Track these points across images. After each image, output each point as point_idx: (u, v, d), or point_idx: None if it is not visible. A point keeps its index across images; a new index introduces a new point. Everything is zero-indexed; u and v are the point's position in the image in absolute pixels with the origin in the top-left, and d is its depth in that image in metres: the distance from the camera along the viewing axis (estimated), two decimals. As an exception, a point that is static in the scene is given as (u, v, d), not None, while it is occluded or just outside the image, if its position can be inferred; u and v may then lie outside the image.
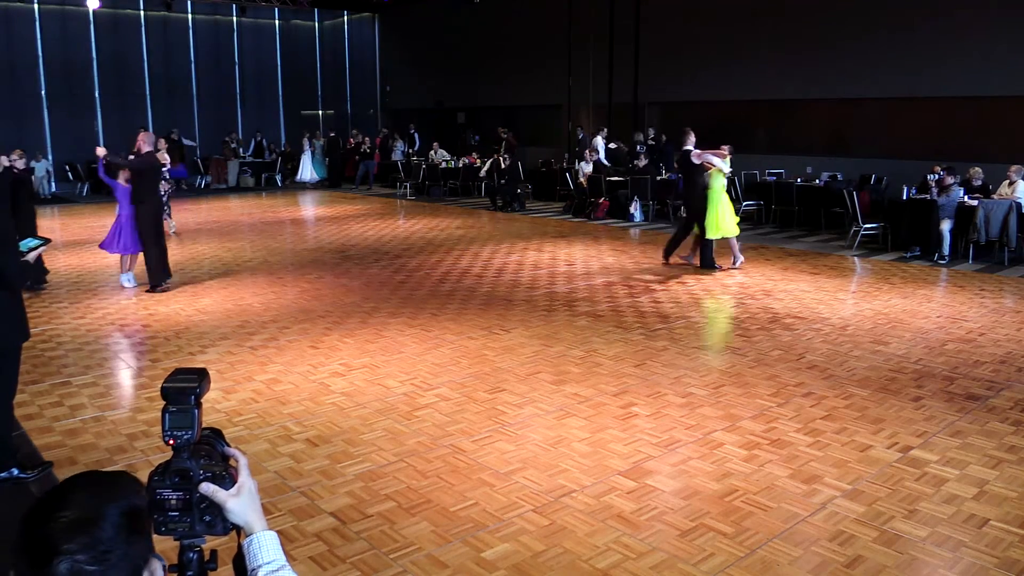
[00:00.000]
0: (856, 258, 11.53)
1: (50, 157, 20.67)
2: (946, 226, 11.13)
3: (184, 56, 24.68)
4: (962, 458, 4.69)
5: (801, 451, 4.80)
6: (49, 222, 15.34)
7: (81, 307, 8.59)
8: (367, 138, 23.34)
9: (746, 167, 15.62)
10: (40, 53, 22.01)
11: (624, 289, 9.38)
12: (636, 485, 4.37)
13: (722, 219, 10.42)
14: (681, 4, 18.30)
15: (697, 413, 5.43)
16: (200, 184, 22.90)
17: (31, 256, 4.58)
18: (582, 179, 16.66)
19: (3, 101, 21.02)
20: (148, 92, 23.98)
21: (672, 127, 18.62)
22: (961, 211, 11.18)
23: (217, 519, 1.35)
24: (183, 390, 1.36)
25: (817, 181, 14.56)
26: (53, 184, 20.36)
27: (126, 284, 9.51)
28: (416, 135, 24.18)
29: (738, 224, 10.76)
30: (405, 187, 20.64)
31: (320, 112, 28.41)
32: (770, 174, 15.68)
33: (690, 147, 10.68)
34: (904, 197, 12.09)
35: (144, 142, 9.22)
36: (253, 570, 1.35)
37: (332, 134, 23.72)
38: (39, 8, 21.94)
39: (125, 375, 6.58)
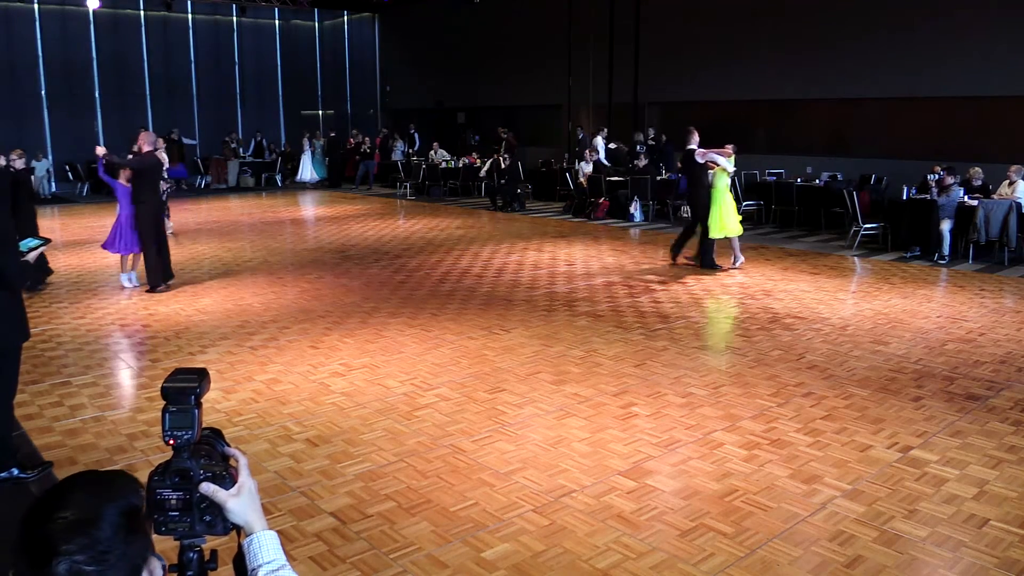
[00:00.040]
0: (856, 258, 11.53)
1: (50, 157, 20.66)
2: (946, 226, 11.13)
3: (184, 56, 24.69)
4: (962, 458, 4.69)
5: (801, 451, 4.80)
6: (49, 222, 15.34)
7: (81, 307, 8.59)
8: (367, 138, 23.34)
9: (746, 167, 15.60)
10: (40, 53, 22.02)
11: (624, 289, 9.38)
12: (636, 485, 4.37)
13: (725, 218, 10.42)
14: (681, 4, 18.30)
15: (697, 413, 5.43)
16: (200, 184, 22.90)
17: (31, 256, 4.59)
18: (582, 179, 16.66)
19: (3, 101, 21.02)
20: (148, 92, 23.98)
21: (672, 127, 18.63)
22: (961, 211, 11.18)
23: (217, 519, 1.35)
24: (183, 390, 1.36)
25: (817, 181, 14.56)
26: (53, 184, 20.36)
27: (126, 284, 9.51)
28: (416, 135, 24.18)
29: (740, 223, 10.75)
30: (405, 187, 20.64)
31: (320, 112, 28.41)
32: (770, 174, 15.68)
33: (694, 146, 10.67)
34: (904, 197, 12.09)
35: (145, 141, 9.22)
36: (253, 570, 1.35)
37: (332, 134, 23.73)
38: (39, 8, 21.94)
39: (125, 375, 6.58)
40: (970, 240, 11.10)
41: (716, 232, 10.44)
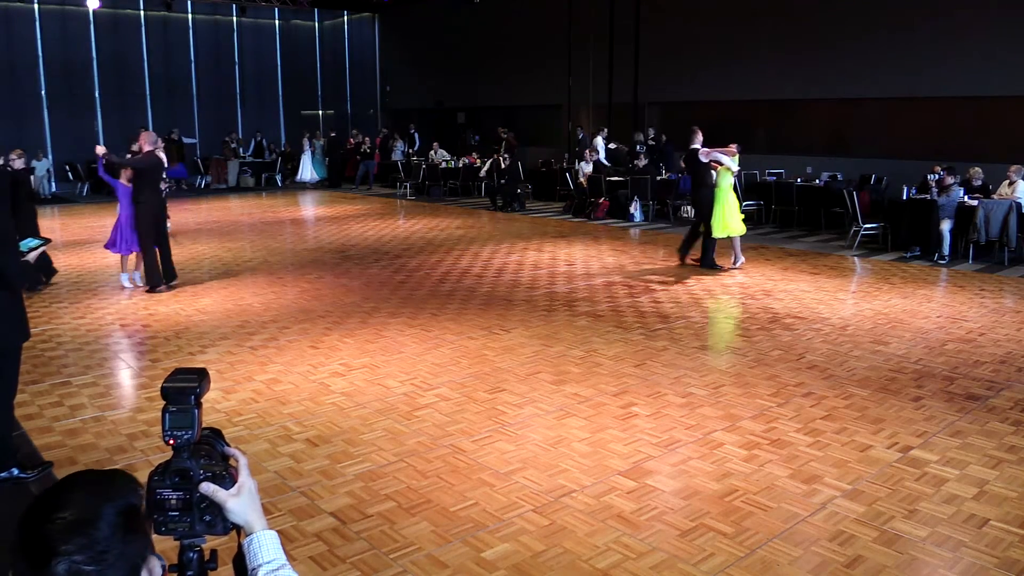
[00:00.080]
0: (856, 258, 11.53)
1: (50, 157, 20.66)
2: (946, 226, 11.13)
3: (184, 56, 24.69)
4: (962, 458, 4.69)
5: (801, 451, 4.80)
6: (49, 222, 15.33)
7: (81, 307, 8.59)
8: (367, 138, 23.34)
9: (746, 167, 15.58)
10: (40, 53, 22.02)
11: (624, 289, 9.38)
12: (636, 485, 4.37)
13: (728, 217, 10.41)
14: (681, 4, 18.30)
15: (697, 413, 5.43)
16: (200, 184, 22.90)
17: (31, 256, 4.59)
18: (582, 179, 16.66)
19: (3, 101, 21.03)
20: (148, 92, 23.99)
21: (672, 127, 18.64)
22: (961, 211, 11.18)
23: (217, 519, 1.35)
24: (183, 390, 1.36)
25: (817, 181, 14.56)
26: (53, 184, 20.36)
27: (126, 284, 9.51)
28: (416, 135, 24.18)
29: (743, 222, 10.74)
30: (405, 187, 20.64)
31: (320, 112, 28.41)
32: (770, 174, 15.68)
33: (698, 145, 10.66)
34: (904, 197, 12.08)
35: (146, 141, 9.22)
36: (253, 569, 1.35)
37: (332, 134, 23.73)
38: (39, 8, 21.94)
39: (125, 375, 6.58)
40: (970, 240, 11.10)
41: (719, 231, 10.43)
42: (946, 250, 11.12)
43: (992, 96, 13.73)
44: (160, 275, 9.29)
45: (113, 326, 7.87)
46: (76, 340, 7.31)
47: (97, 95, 23.05)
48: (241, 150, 23.50)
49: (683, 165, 13.22)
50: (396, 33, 26.60)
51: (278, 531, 1.42)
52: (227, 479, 1.36)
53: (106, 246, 9.67)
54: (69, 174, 20.87)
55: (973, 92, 13.89)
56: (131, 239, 9.29)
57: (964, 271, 10.53)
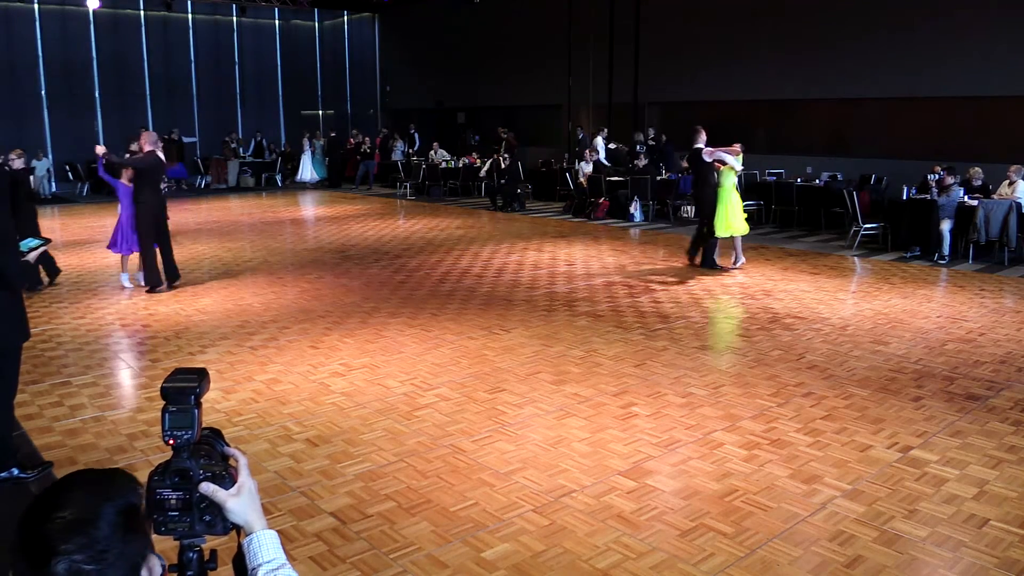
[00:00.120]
0: (856, 258, 11.53)
1: (50, 157, 20.66)
2: (946, 226, 11.13)
3: (184, 56, 24.69)
4: (962, 458, 4.69)
5: (801, 451, 4.80)
6: (49, 222, 15.33)
7: (81, 307, 8.59)
8: (367, 138, 23.34)
9: (746, 167, 15.56)
10: (40, 53, 22.02)
11: (624, 289, 9.38)
12: (636, 485, 4.37)
13: (732, 217, 10.41)
14: (681, 4, 18.30)
15: (697, 413, 5.43)
16: (200, 184, 22.90)
17: (31, 256, 4.59)
18: (582, 179, 16.66)
19: (3, 101, 21.03)
20: (148, 92, 23.99)
21: (672, 127, 18.64)
22: (961, 211, 11.18)
23: (217, 519, 1.35)
24: (183, 390, 1.36)
25: (817, 181, 14.56)
26: (53, 184, 20.36)
27: (126, 284, 9.51)
28: (416, 135, 24.18)
29: (746, 221, 10.72)
30: (405, 187, 20.64)
31: (320, 112, 28.41)
32: (770, 174, 15.68)
33: (701, 145, 10.65)
34: (904, 197, 12.08)
35: (147, 141, 9.22)
36: (253, 569, 1.35)
37: (332, 134, 23.73)
38: (39, 8, 21.94)
39: (125, 375, 6.58)
40: (970, 240, 11.10)
41: (722, 231, 10.43)
42: (946, 250, 11.12)
43: (992, 96, 13.73)
44: (159, 275, 9.28)
45: (113, 326, 7.87)
46: (76, 340, 7.31)
47: (97, 95, 23.05)
48: (241, 150, 23.50)
49: (686, 164, 13.21)
50: (396, 33, 26.60)
51: (278, 531, 1.42)
52: (227, 479, 1.36)
53: (108, 247, 9.69)
54: (69, 174, 20.87)
55: (973, 92, 13.89)
56: (132, 239, 9.29)
57: (964, 271, 10.53)
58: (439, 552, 3.71)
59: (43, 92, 22.13)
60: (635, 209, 15.44)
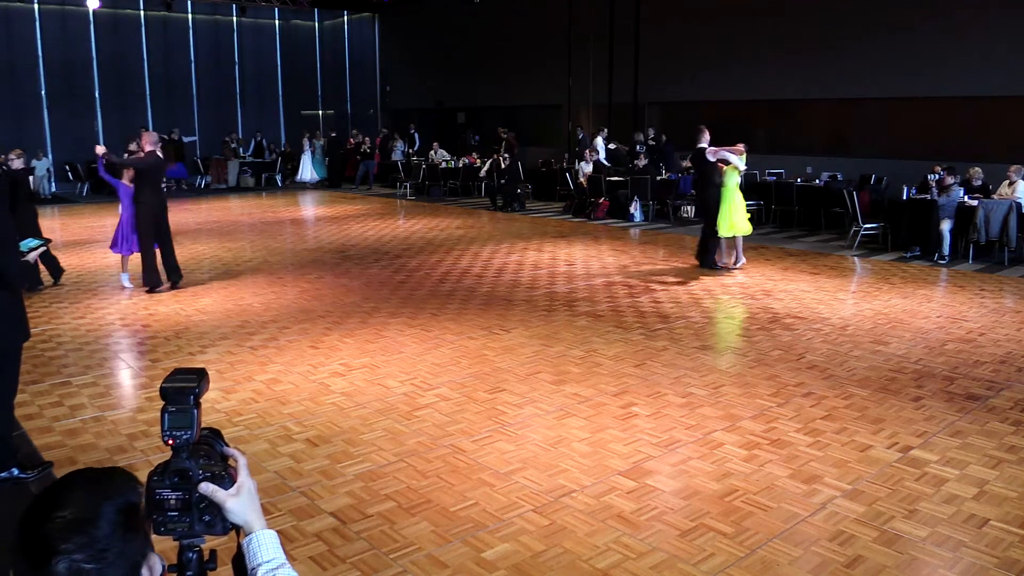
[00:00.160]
0: (856, 258, 11.53)
1: (50, 157, 20.67)
2: (946, 226, 11.13)
3: (184, 56, 24.69)
4: (962, 458, 4.69)
5: (801, 451, 4.80)
6: (49, 222, 15.33)
7: (81, 307, 8.59)
8: (367, 138, 23.34)
9: (747, 167, 15.59)
10: (40, 53, 22.02)
11: (624, 289, 9.38)
12: (636, 485, 4.37)
13: (735, 217, 10.40)
14: (681, 4, 18.29)
15: (697, 413, 5.43)
16: (200, 184, 22.91)
17: (31, 256, 4.59)
18: (582, 179, 16.67)
19: (3, 101, 21.03)
20: (148, 92, 23.98)
21: (672, 127, 18.64)
22: (961, 211, 11.18)
23: (216, 519, 1.35)
24: (182, 390, 1.36)
25: (817, 181, 14.56)
26: (53, 184, 20.36)
27: (127, 284, 9.51)
28: (416, 135, 24.18)
29: (749, 221, 10.70)
30: (405, 187, 20.64)
31: (320, 112, 28.41)
32: (770, 174, 15.68)
33: (704, 144, 10.63)
34: (904, 197, 12.08)
35: (148, 141, 9.22)
36: (253, 569, 1.35)
37: (332, 134, 23.73)
38: (39, 8, 21.94)
39: (125, 375, 6.58)
40: (970, 240, 11.10)
41: (725, 231, 10.42)
42: (946, 250, 11.12)
43: (992, 96, 13.73)
44: (159, 275, 9.28)
45: (113, 326, 7.87)
46: (76, 340, 7.31)
47: (97, 95, 23.05)
48: (241, 150, 23.50)
49: (689, 164, 13.16)
50: (396, 33, 26.60)
51: (278, 531, 1.42)
52: (226, 479, 1.36)
53: (110, 247, 9.70)
54: (69, 174, 20.87)
55: (973, 92, 13.88)
56: (132, 240, 9.29)
57: (964, 271, 10.53)
58: (439, 552, 3.71)
59: (43, 92, 22.14)
60: (635, 209, 15.44)
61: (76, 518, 1.13)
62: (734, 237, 10.52)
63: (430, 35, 24.82)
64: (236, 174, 22.68)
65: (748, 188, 15.35)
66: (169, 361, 6.66)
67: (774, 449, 4.83)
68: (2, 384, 4.48)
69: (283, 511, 4.10)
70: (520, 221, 15.76)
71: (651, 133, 18.52)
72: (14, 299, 4.41)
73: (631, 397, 5.73)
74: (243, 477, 1.39)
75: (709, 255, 10.58)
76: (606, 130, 18.97)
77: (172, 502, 1.32)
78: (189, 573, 1.37)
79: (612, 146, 18.61)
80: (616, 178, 16.04)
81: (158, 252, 9.28)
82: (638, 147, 17.60)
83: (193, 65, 24.87)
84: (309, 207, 18.69)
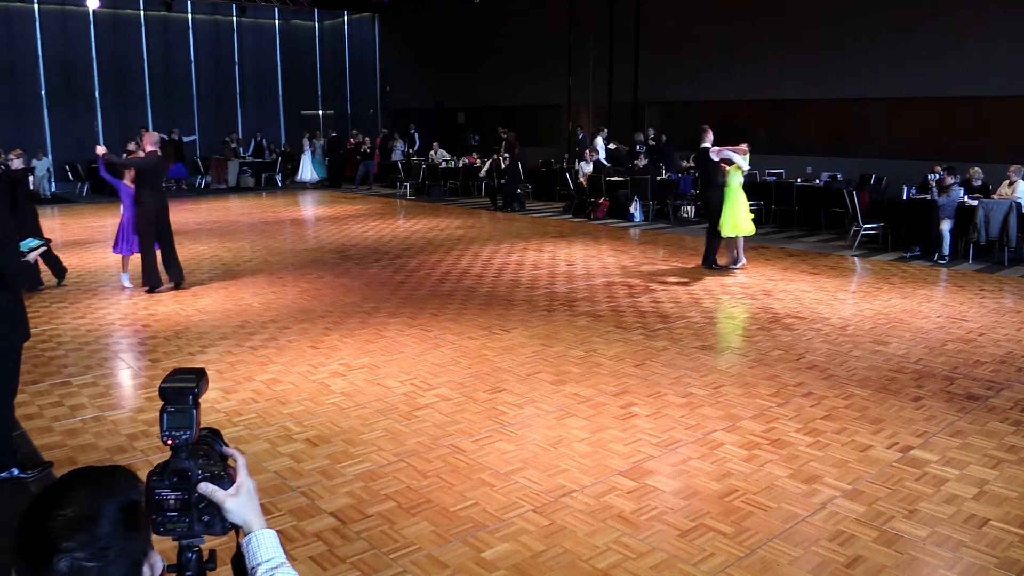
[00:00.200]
0: (856, 258, 11.53)
1: (50, 157, 20.66)
2: (946, 226, 11.13)
3: (184, 56, 24.68)
4: (962, 458, 4.69)
5: (801, 451, 4.80)
6: (49, 222, 15.32)
7: (81, 307, 8.59)
8: (367, 138, 23.34)
9: (748, 167, 15.61)
10: (40, 53, 22.01)
11: (624, 289, 9.38)
12: (636, 485, 4.37)
13: (738, 217, 10.39)
14: (681, 4, 18.29)
15: (697, 413, 5.42)
16: (200, 184, 22.91)
17: (31, 256, 4.59)
18: (582, 179, 16.66)
19: (3, 101, 21.02)
20: (148, 92, 23.98)
21: (672, 127, 18.64)
22: (961, 211, 11.18)
23: (216, 519, 1.35)
24: (181, 390, 1.36)
25: (817, 181, 14.56)
26: (53, 184, 20.36)
27: (127, 284, 9.51)
28: (416, 135, 24.18)
29: (752, 221, 10.68)
30: (405, 187, 20.64)
31: (320, 112, 28.41)
32: (770, 174, 15.67)
33: (708, 144, 10.62)
34: (904, 197, 12.08)
35: (149, 141, 9.22)
36: (252, 568, 1.35)
37: (332, 134, 23.72)
38: (39, 8, 21.94)
39: (125, 375, 6.58)
40: (970, 240, 11.10)
41: (728, 231, 10.40)
42: (946, 250, 11.12)
43: (992, 96, 13.73)
44: (159, 276, 9.28)
45: (113, 326, 7.87)
46: (76, 340, 7.31)
47: (97, 95, 23.04)
48: (241, 150, 23.51)
49: (692, 164, 13.16)
50: (396, 33, 26.60)
51: (278, 531, 1.42)
52: (225, 479, 1.36)
53: (112, 248, 9.70)
54: (69, 174, 20.87)
55: (973, 92, 13.88)
56: (133, 240, 9.29)
57: (964, 271, 10.53)
58: (439, 552, 3.71)
59: (43, 92, 22.13)
60: (635, 209, 15.44)
61: (77, 516, 1.13)
62: (736, 237, 10.51)
63: (430, 35, 24.82)
64: (236, 174, 22.68)
65: (748, 188, 15.34)
66: (169, 361, 6.66)
67: (774, 449, 4.83)
68: (2, 384, 4.48)
69: (283, 511, 4.10)
70: (520, 221, 15.76)
71: (651, 133, 18.52)
72: (14, 299, 4.41)
73: (631, 397, 5.73)
74: (242, 477, 1.39)
75: (709, 255, 10.58)
76: (606, 130, 18.97)
77: (171, 502, 1.32)
78: (189, 573, 1.37)
79: (612, 146, 18.61)
80: (616, 178, 16.04)
81: (158, 252, 9.27)
82: (638, 147, 17.60)
83: (193, 65, 24.86)
84: (309, 207, 18.69)
